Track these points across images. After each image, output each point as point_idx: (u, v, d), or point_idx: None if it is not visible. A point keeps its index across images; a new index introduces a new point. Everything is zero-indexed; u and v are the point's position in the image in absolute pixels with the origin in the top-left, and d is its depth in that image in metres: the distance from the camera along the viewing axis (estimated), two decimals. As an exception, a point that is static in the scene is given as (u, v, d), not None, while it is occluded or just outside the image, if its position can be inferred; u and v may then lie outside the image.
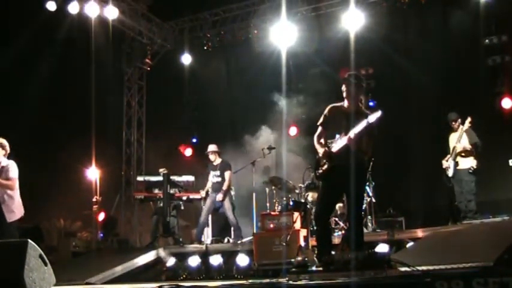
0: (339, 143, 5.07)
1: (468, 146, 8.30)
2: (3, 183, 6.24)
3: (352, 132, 4.92)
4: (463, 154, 8.36)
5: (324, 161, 5.16)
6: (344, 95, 5.21)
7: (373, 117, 4.88)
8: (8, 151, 6.46)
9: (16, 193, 6.37)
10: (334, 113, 5.24)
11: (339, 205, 8.10)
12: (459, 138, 8.37)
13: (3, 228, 6.14)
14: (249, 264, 7.81)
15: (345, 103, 5.22)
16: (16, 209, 6.33)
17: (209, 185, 9.50)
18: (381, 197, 8.75)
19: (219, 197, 9.17)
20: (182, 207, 10.19)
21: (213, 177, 9.40)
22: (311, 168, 8.40)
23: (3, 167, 6.32)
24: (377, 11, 10.83)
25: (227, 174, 9.29)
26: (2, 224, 6.18)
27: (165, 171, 10.15)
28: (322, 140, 5.28)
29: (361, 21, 10.62)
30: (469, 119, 8.28)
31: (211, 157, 9.50)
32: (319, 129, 5.31)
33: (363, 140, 5.00)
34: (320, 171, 5.22)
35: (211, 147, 9.56)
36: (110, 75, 11.55)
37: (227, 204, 9.26)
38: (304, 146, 9.87)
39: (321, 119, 5.30)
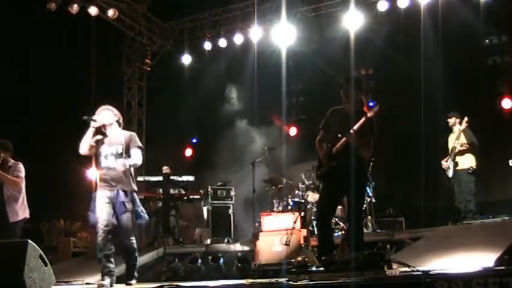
0: (339, 143, 5.09)
1: (467, 145, 8.30)
2: (10, 178, 6.25)
3: (352, 129, 4.95)
4: (462, 153, 8.36)
5: (325, 161, 5.18)
6: (344, 98, 5.24)
7: (371, 111, 4.95)
8: (12, 151, 6.49)
9: (21, 194, 6.38)
10: (336, 116, 5.28)
11: (339, 207, 8.10)
12: (457, 138, 8.38)
13: (5, 228, 6.13)
14: (249, 264, 7.82)
15: (346, 105, 5.24)
16: (20, 211, 6.33)
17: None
18: (381, 197, 8.75)
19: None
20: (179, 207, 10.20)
21: (106, 158, 5.58)
22: (312, 169, 8.44)
23: (10, 166, 6.37)
24: (377, 11, 10.83)
25: (137, 153, 5.63)
26: (4, 224, 6.18)
27: (168, 170, 10.18)
28: (323, 143, 5.31)
29: (360, 21, 10.63)
30: (465, 119, 8.29)
31: (109, 118, 5.69)
32: (321, 132, 5.35)
33: (363, 140, 5.02)
34: (321, 171, 5.23)
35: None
36: (110, 75, 11.55)
37: (131, 207, 5.62)
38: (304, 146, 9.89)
39: (322, 122, 5.34)
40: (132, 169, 5.60)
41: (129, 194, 5.54)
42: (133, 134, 5.76)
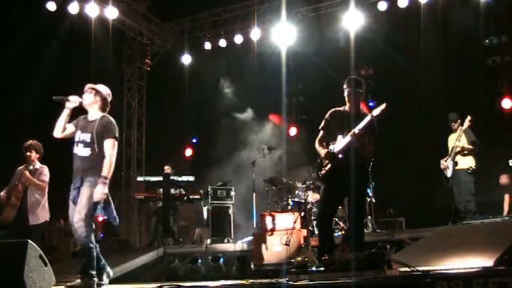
0: (341, 142, 5.08)
1: (468, 146, 8.29)
2: (36, 182, 6.38)
3: (357, 128, 4.94)
4: (462, 153, 8.35)
5: (326, 161, 5.18)
6: (346, 98, 5.24)
7: (378, 110, 4.92)
8: (42, 154, 6.59)
9: (44, 198, 6.50)
10: (335, 117, 5.29)
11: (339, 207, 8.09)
12: (458, 138, 8.37)
13: (24, 230, 6.21)
14: (249, 264, 7.82)
15: (346, 106, 5.26)
16: (40, 214, 6.45)
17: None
18: (381, 197, 8.75)
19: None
20: (177, 206, 10.21)
21: (77, 145, 5.06)
22: (312, 169, 8.43)
23: (36, 169, 6.48)
24: (377, 11, 10.83)
25: (109, 144, 5.01)
26: (24, 226, 6.29)
27: (170, 170, 10.20)
28: (323, 144, 5.31)
29: (360, 21, 10.63)
30: (468, 118, 8.28)
31: (89, 99, 5.15)
32: (321, 133, 5.35)
33: (365, 140, 5.02)
34: (322, 172, 5.23)
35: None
36: (110, 75, 11.54)
37: (87, 193, 4.90)
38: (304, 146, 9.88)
39: (322, 123, 5.35)
40: (107, 160, 4.95)
41: (95, 180, 4.87)
42: (109, 121, 5.06)
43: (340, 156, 5.06)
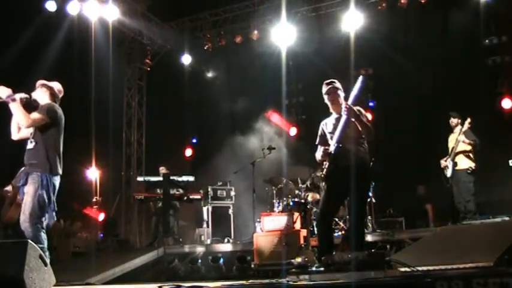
0: (336, 134, 5.09)
1: (468, 147, 8.29)
2: None
3: (350, 100, 4.97)
4: (462, 153, 8.35)
5: (325, 162, 5.18)
6: (330, 106, 5.31)
7: (356, 85, 4.97)
8: None
9: None
10: (326, 125, 5.35)
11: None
12: (457, 141, 8.37)
13: None
14: (249, 264, 7.82)
15: (332, 112, 5.32)
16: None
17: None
18: (381, 197, 8.75)
19: None
20: (178, 206, 10.22)
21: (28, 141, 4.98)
22: (313, 170, 8.44)
23: None
24: (377, 11, 10.84)
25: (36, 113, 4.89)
26: None
27: (165, 170, 10.19)
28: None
29: (360, 21, 10.64)
30: (468, 120, 8.28)
31: (36, 93, 5.11)
32: (318, 148, 5.36)
33: (360, 120, 5.02)
34: (324, 172, 5.24)
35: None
36: (109, 75, 11.54)
37: (31, 190, 4.72)
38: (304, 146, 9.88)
39: (318, 139, 5.39)
40: (54, 152, 4.85)
41: (38, 177, 4.70)
42: (48, 104, 4.92)
43: (340, 156, 5.06)
